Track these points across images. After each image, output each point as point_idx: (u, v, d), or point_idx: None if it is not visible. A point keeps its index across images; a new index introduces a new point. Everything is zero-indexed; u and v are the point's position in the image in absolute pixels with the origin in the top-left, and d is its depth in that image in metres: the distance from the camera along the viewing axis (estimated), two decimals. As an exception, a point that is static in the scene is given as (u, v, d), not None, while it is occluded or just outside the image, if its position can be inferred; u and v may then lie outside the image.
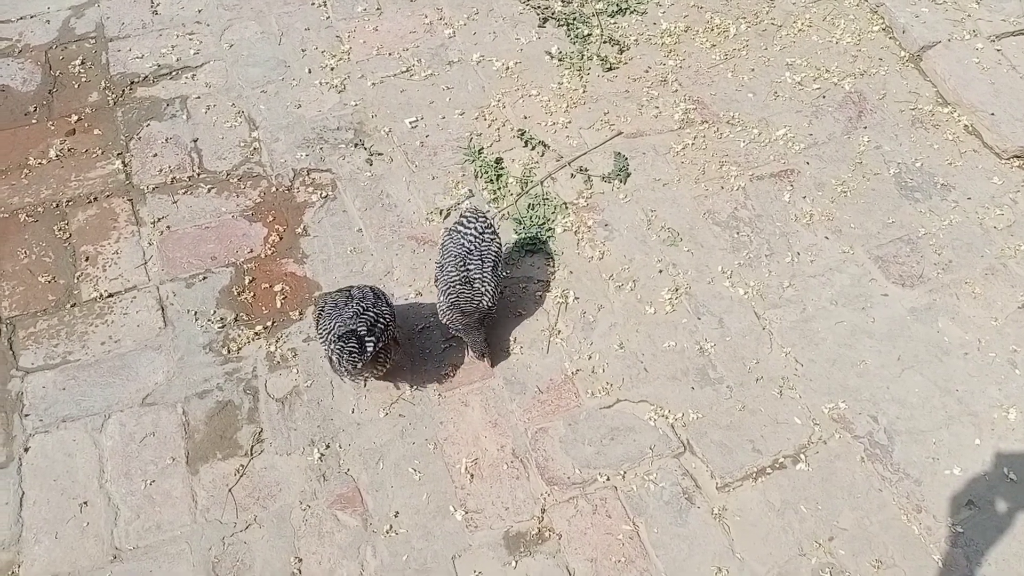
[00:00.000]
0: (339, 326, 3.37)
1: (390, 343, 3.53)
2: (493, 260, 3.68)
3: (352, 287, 3.56)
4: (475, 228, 3.73)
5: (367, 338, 3.35)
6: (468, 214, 3.81)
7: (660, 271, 4.16)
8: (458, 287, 3.62)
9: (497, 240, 3.77)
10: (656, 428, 3.69)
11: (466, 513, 3.45)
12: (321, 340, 3.50)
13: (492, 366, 3.82)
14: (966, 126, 4.82)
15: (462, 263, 3.65)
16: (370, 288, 3.55)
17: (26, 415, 3.60)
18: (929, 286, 4.17)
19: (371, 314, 3.41)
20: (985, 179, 4.59)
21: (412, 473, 3.54)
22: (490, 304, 3.67)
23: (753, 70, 5.04)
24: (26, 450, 3.52)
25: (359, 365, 3.36)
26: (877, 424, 3.74)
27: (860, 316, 4.06)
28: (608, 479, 3.55)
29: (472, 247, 3.68)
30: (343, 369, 3.40)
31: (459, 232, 3.74)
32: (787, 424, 3.72)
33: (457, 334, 3.80)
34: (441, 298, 3.70)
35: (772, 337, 3.98)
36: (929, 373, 3.89)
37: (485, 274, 3.64)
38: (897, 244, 4.31)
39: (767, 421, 3.73)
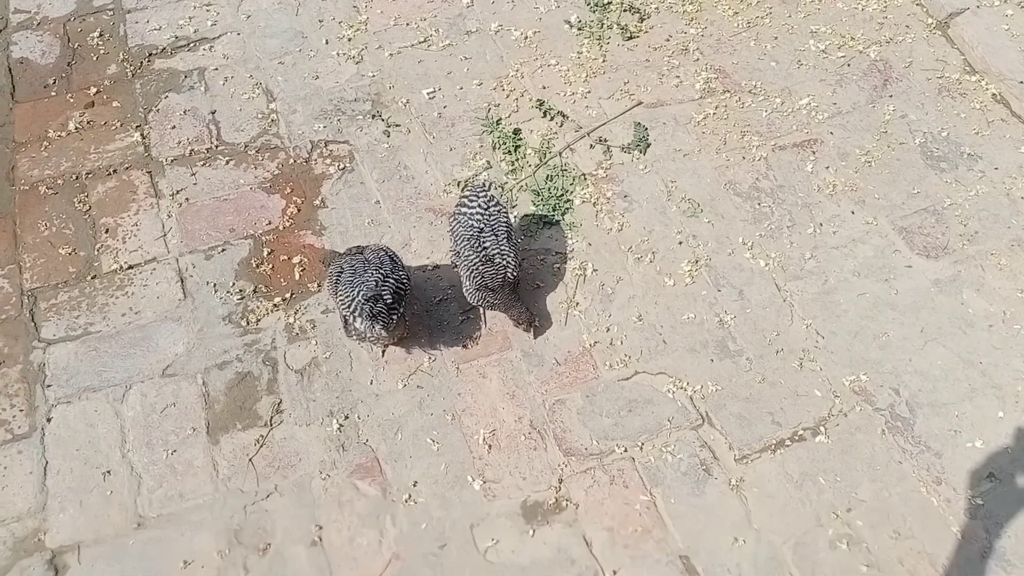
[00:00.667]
0: (363, 292, 3.38)
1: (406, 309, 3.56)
2: (506, 231, 3.65)
3: (364, 248, 3.58)
4: (480, 204, 3.68)
5: (392, 305, 3.40)
6: (469, 193, 3.75)
7: (680, 243, 4.13)
8: (480, 267, 3.59)
9: (504, 210, 3.73)
10: (674, 400, 3.67)
11: (484, 483, 3.46)
12: (342, 305, 3.49)
13: (535, 337, 3.81)
14: (994, 95, 4.72)
15: (476, 242, 3.60)
16: (384, 251, 3.57)
17: (48, 386, 3.64)
18: (954, 257, 4.11)
19: (392, 280, 3.44)
20: (1013, 149, 4.50)
21: (430, 444, 3.55)
22: (514, 275, 3.65)
23: (776, 38, 4.95)
24: (48, 420, 3.56)
25: (386, 330, 3.39)
26: (899, 396, 3.70)
27: (883, 288, 4.01)
28: (625, 450, 3.55)
29: (483, 224, 3.64)
30: (369, 334, 3.42)
31: (465, 213, 3.69)
32: (807, 396, 3.70)
33: (494, 309, 3.78)
34: (466, 283, 3.66)
35: (793, 309, 3.94)
36: (952, 345, 3.85)
37: (502, 247, 3.61)
38: (922, 215, 4.24)
39: (787, 393, 3.70)
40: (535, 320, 3.78)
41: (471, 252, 3.60)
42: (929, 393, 3.72)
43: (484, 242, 3.61)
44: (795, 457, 3.54)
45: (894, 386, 3.73)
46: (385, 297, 3.38)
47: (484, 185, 3.81)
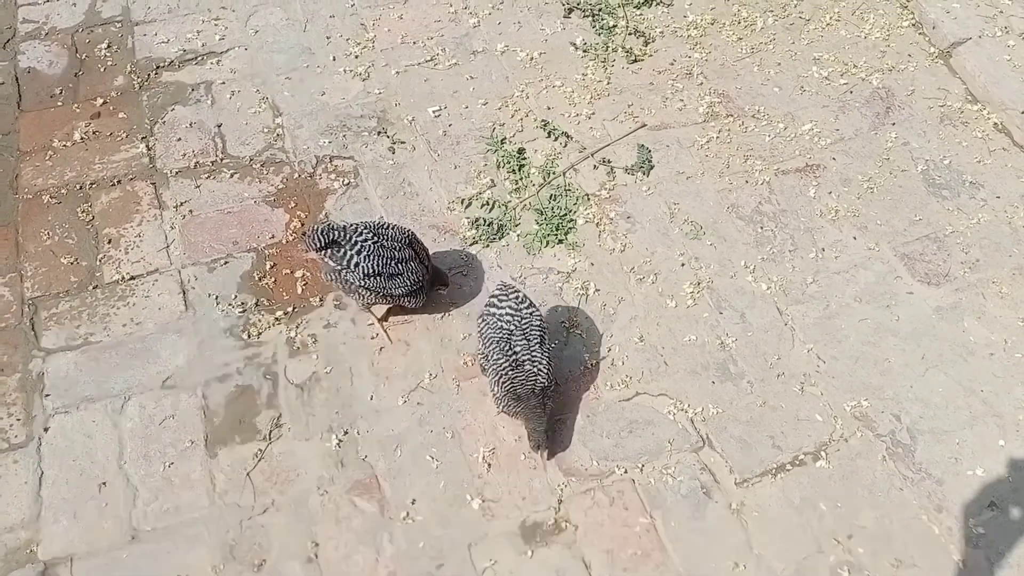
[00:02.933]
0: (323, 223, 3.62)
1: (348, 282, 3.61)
2: (539, 334, 3.43)
3: (397, 229, 3.68)
4: (510, 305, 3.48)
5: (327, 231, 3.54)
6: (498, 293, 3.55)
7: (682, 264, 4.13)
8: (510, 372, 3.36)
9: (536, 312, 3.52)
10: (675, 422, 3.66)
11: (483, 502, 3.44)
12: None
13: (548, 459, 3.54)
14: (996, 124, 4.75)
15: (507, 345, 3.39)
16: (390, 234, 3.64)
17: (47, 395, 3.62)
18: (955, 285, 4.12)
19: (352, 239, 3.54)
20: (1015, 178, 4.52)
21: (430, 461, 3.53)
22: (547, 382, 3.40)
23: (780, 64, 4.98)
24: (46, 430, 3.54)
25: (312, 249, 3.56)
26: (900, 423, 3.70)
27: (884, 314, 4.01)
28: (626, 472, 3.53)
29: (513, 326, 3.42)
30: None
31: (494, 314, 3.48)
32: (808, 421, 3.69)
33: (516, 417, 3.51)
34: (495, 388, 3.43)
35: (795, 333, 3.94)
36: (954, 373, 3.84)
37: (534, 353, 3.39)
38: (924, 242, 4.26)
39: (788, 418, 3.69)
40: (546, 444, 3.50)
41: (500, 356, 3.39)
42: (930, 420, 3.71)
43: (515, 346, 3.39)
44: (796, 482, 3.53)
45: (895, 412, 3.72)
46: (334, 228, 3.55)
47: (514, 286, 3.59)
